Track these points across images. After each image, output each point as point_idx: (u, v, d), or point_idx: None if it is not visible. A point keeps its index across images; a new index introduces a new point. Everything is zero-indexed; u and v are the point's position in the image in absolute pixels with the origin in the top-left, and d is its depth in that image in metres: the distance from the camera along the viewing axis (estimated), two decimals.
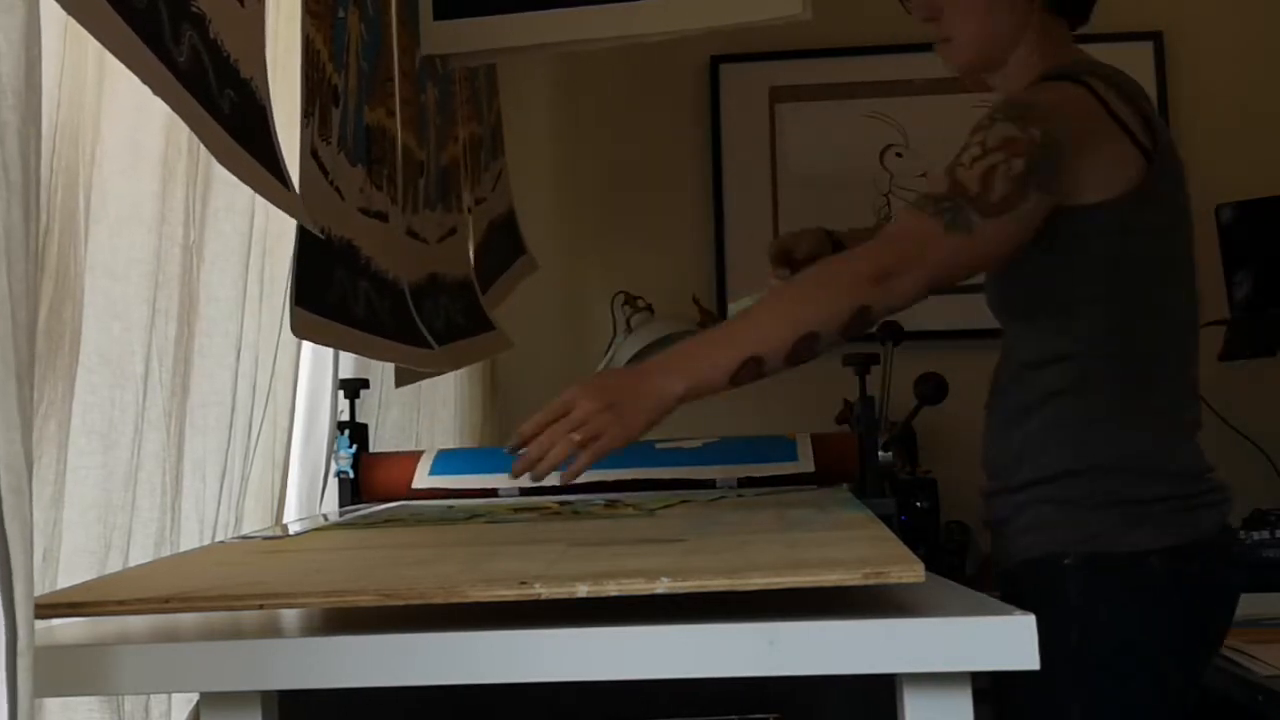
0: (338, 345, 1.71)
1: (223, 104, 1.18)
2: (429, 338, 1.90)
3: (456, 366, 2.20)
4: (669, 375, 1.26)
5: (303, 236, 1.44)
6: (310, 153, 1.47)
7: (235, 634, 0.86)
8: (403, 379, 2.00)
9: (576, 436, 1.20)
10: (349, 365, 1.92)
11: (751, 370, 1.26)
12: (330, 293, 1.52)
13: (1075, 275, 1.40)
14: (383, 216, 1.76)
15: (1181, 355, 1.45)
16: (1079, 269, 1.40)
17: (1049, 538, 1.39)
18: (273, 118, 1.32)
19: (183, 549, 1.30)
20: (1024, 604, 1.24)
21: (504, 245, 2.58)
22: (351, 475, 1.82)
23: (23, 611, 0.66)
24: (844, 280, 1.31)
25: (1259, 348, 2.50)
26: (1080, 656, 1.34)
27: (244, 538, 1.32)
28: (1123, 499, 1.37)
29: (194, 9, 1.14)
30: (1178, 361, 1.45)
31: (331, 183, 1.54)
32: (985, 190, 1.30)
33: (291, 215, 1.37)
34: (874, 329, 1.61)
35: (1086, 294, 1.40)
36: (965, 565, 2.45)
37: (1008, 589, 1.45)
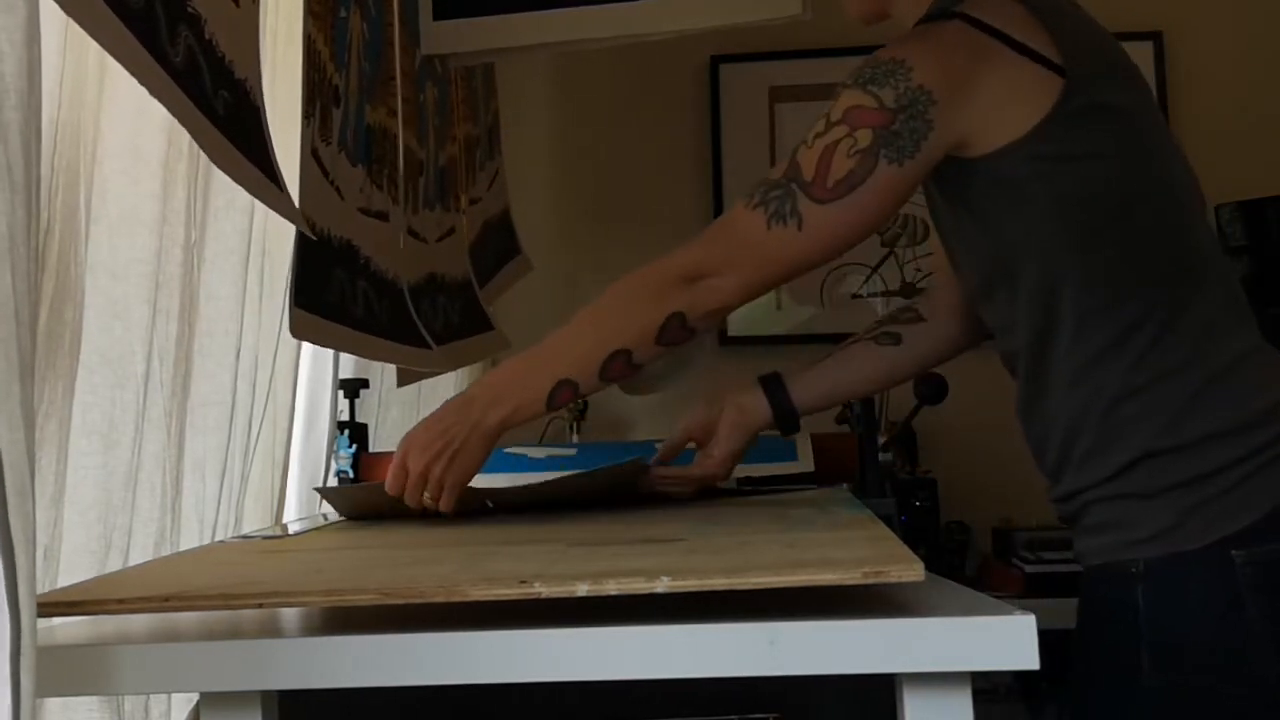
0: (336, 346, 1.72)
1: (217, 105, 1.18)
2: (427, 338, 1.90)
3: (455, 367, 2.20)
4: (490, 407, 1.24)
5: (301, 237, 1.44)
6: (310, 153, 1.47)
7: (235, 634, 0.86)
8: (404, 379, 2.01)
9: (427, 496, 1.25)
10: (349, 365, 1.92)
11: (567, 393, 1.23)
12: (329, 293, 1.53)
13: (1026, 229, 1.20)
14: (383, 216, 1.76)
15: (1200, 282, 1.22)
16: (1030, 222, 1.20)
17: (1113, 541, 1.20)
18: (266, 119, 1.33)
19: (183, 548, 1.30)
20: (1088, 618, 1.10)
21: (499, 245, 2.58)
22: (351, 475, 1.82)
23: (25, 611, 0.66)
24: (651, 287, 1.22)
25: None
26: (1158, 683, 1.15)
27: (244, 537, 1.32)
28: (1186, 480, 1.16)
29: (190, 9, 1.14)
30: (1200, 292, 1.22)
31: (331, 183, 1.54)
32: (821, 173, 1.16)
33: (284, 216, 1.37)
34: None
35: (1045, 246, 1.20)
36: (965, 565, 2.45)
37: (1080, 598, 1.26)
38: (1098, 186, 1.20)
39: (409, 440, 1.26)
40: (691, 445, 1.50)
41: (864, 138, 1.15)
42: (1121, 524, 1.19)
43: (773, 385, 1.47)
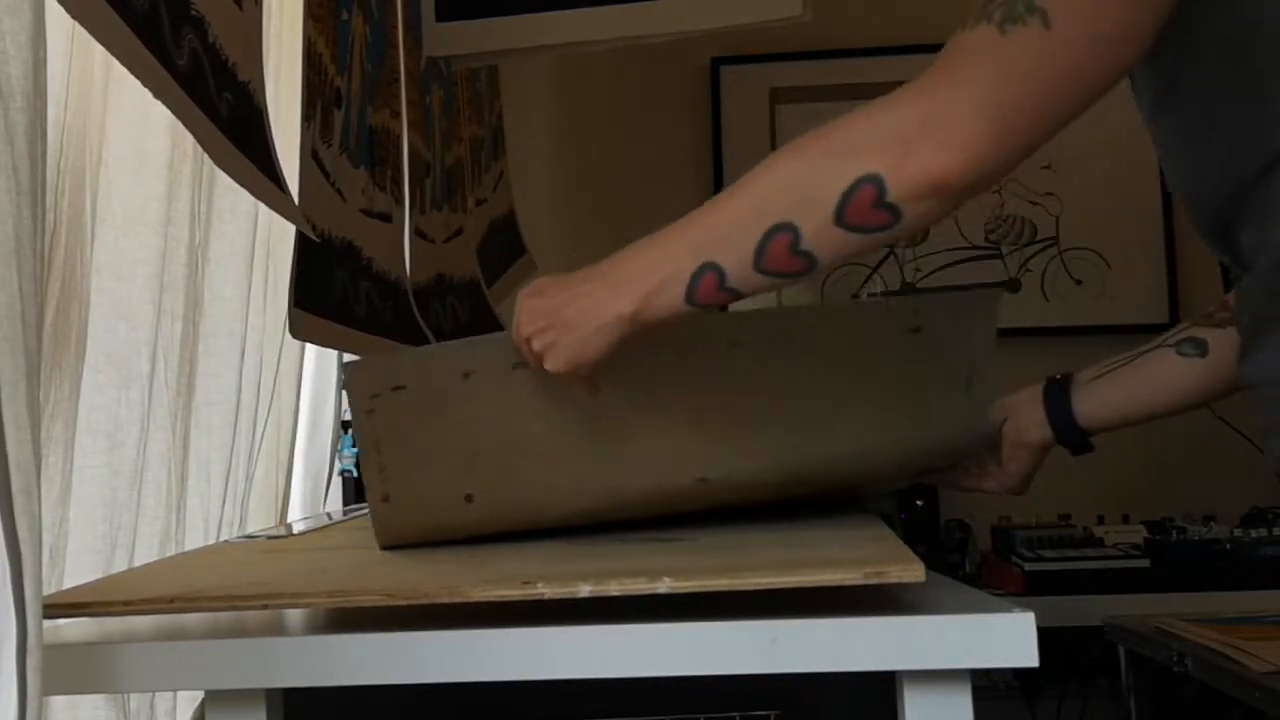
0: (338, 346, 1.72)
1: (221, 107, 1.19)
2: (431, 338, 1.90)
3: None
4: (610, 298, 0.94)
5: (302, 238, 1.45)
6: (311, 154, 1.48)
7: (240, 632, 0.87)
8: None
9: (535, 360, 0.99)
10: None
11: (711, 283, 0.90)
12: (331, 294, 1.53)
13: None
14: (385, 218, 1.77)
15: None
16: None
17: None
18: (269, 121, 1.33)
19: (188, 548, 1.31)
20: None
21: (504, 245, 2.59)
22: (355, 474, 1.83)
23: (31, 610, 0.66)
24: (837, 140, 0.87)
25: None
26: None
27: (248, 537, 1.32)
28: None
29: (194, 12, 1.14)
30: None
31: (333, 184, 1.55)
32: None
33: (286, 218, 1.38)
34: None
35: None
36: (965, 564, 2.45)
37: None
38: None
39: (525, 299, 1.01)
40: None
41: None
42: None
43: (1057, 398, 1.22)
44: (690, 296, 0.91)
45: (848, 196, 0.84)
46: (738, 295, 0.91)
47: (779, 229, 0.86)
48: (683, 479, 1.07)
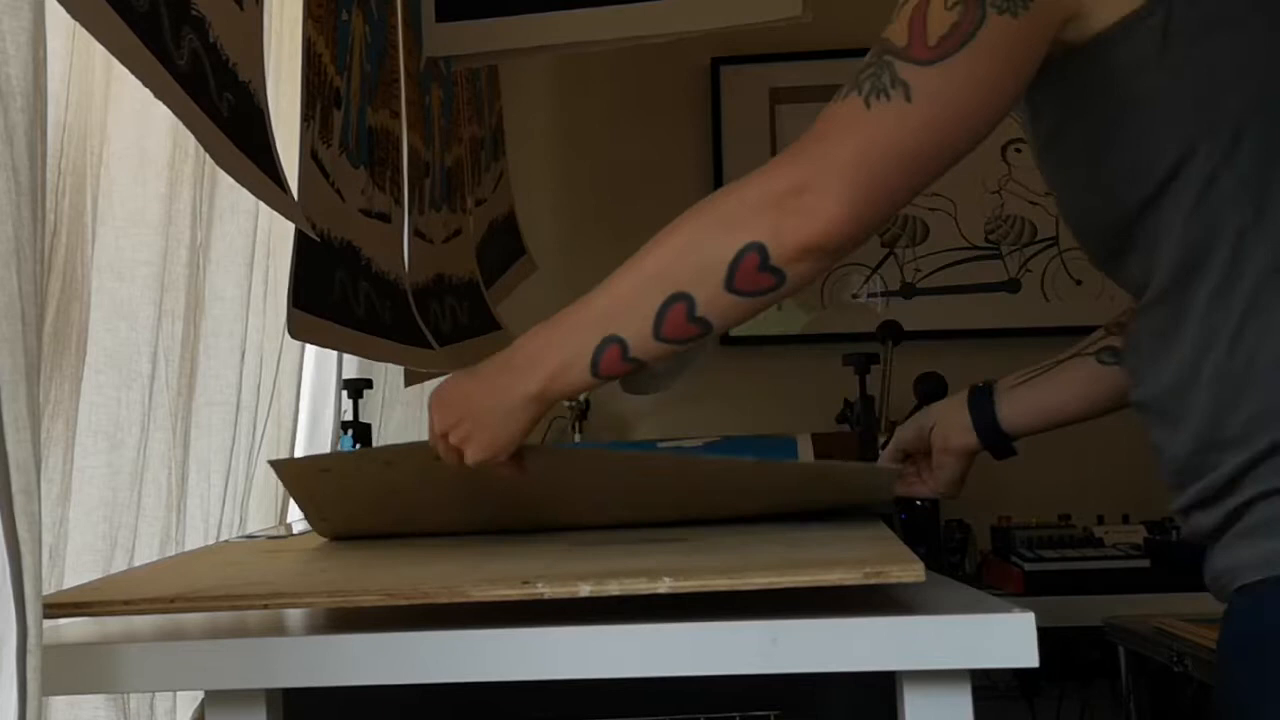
0: (337, 346, 1.72)
1: (221, 107, 1.19)
2: (430, 338, 1.90)
3: (458, 367, 2.21)
4: (522, 375, 0.99)
5: (302, 238, 1.45)
6: (310, 154, 1.48)
7: (240, 632, 0.87)
8: (411, 379, 2.01)
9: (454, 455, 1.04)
10: (352, 365, 1.93)
11: (614, 354, 0.94)
12: (330, 294, 1.53)
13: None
14: (385, 217, 1.77)
15: None
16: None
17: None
18: (270, 121, 1.33)
19: (188, 548, 1.31)
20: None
21: (504, 246, 2.59)
22: None
23: (32, 610, 0.67)
24: (721, 212, 0.93)
25: None
26: None
27: (248, 537, 1.32)
28: None
29: (194, 12, 1.14)
30: None
31: (332, 184, 1.55)
32: (918, 32, 0.90)
33: (287, 218, 1.38)
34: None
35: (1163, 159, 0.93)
36: (965, 564, 2.45)
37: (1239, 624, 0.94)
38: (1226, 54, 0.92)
39: (432, 398, 1.06)
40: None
41: None
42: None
43: (980, 404, 1.28)
44: (595, 369, 0.96)
45: (735, 264, 0.90)
46: (640, 365, 0.96)
47: (675, 299, 0.92)
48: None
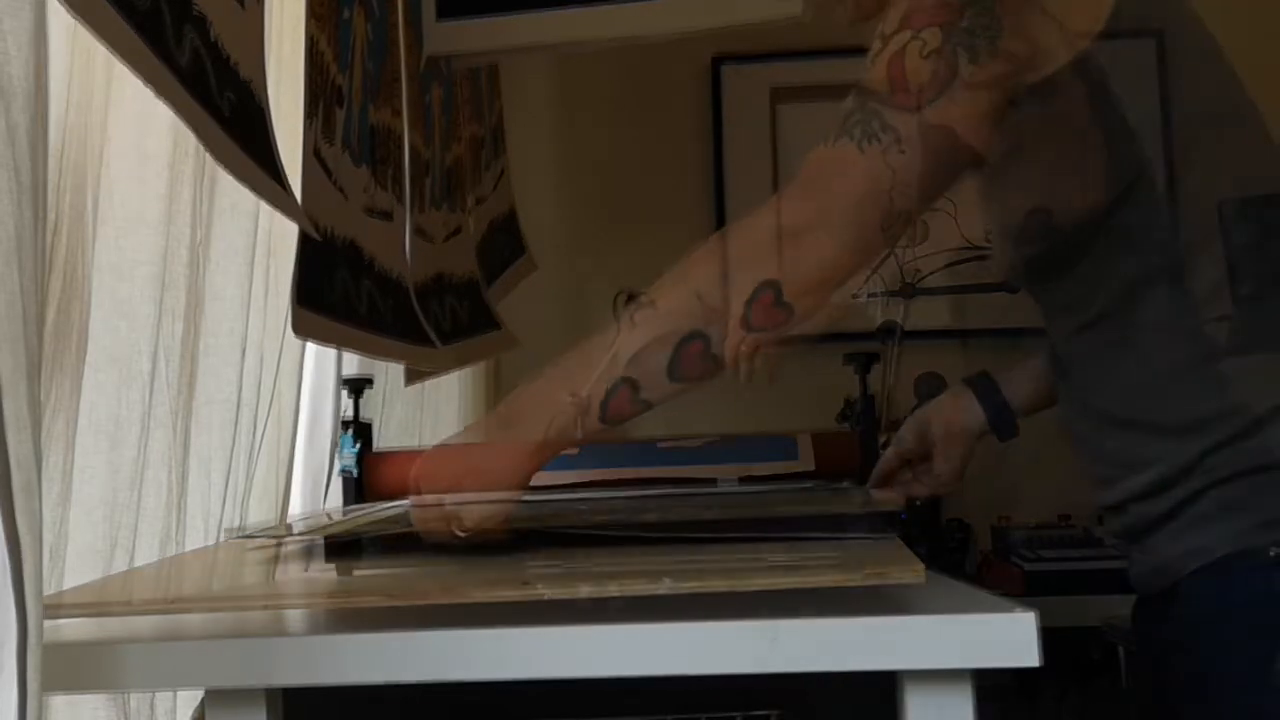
0: (340, 345, 1.72)
1: (222, 106, 1.19)
2: (433, 336, 1.90)
3: (460, 365, 2.21)
4: (525, 424, 0.99)
5: (304, 237, 1.45)
6: (313, 153, 1.48)
7: (240, 631, 0.87)
8: (412, 378, 2.01)
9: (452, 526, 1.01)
10: (352, 363, 1.93)
11: (625, 396, 0.95)
12: (333, 292, 1.53)
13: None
14: (387, 216, 1.77)
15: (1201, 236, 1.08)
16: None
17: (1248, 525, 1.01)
18: (271, 120, 1.33)
19: (188, 547, 1.31)
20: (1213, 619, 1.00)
21: (504, 244, 2.59)
22: (355, 473, 1.82)
23: (32, 609, 0.66)
24: (734, 252, 0.98)
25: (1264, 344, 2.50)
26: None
27: (247, 536, 1.32)
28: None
29: (195, 11, 1.14)
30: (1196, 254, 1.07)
31: (335, 183, 1.55)
32: (898, 81, 0.97)
33: (288, 217, 1.38)
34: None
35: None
36: (965, 563, 2.45)
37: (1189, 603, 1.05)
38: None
39: (417, 468, 1.05)
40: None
41: (932, 38, 0.98)
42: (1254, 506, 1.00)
43: (984, 387, 1.33)
44: (604, 413, 0.97)
45: (750, 303, 0.94)
46: (649, 407, 0.97)
47: (691, 338, 0.95)
48: None
